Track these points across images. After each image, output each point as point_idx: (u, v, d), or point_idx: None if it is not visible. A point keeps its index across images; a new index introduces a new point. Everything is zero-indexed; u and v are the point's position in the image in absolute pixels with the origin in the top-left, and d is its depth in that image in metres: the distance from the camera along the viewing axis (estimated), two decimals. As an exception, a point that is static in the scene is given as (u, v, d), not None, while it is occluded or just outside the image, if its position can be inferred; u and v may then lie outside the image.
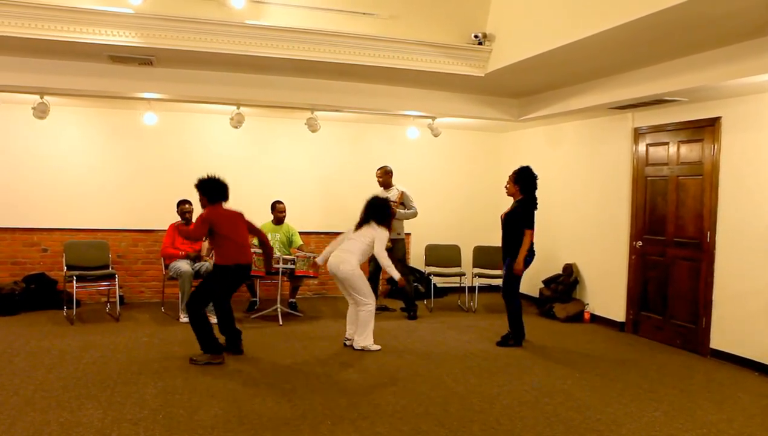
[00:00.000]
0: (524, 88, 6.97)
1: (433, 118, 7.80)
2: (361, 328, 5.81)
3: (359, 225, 5.94)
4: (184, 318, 6.85)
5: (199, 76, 6.43)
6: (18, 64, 5.89)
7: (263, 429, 3.93)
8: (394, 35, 5.75)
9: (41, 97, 6.37)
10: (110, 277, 6.90)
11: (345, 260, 5.71)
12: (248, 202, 7.83)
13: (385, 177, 7.59)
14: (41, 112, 6.38)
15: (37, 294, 7.22)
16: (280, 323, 6.91)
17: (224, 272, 5.41)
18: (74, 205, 7.70)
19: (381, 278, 7.67)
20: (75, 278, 6.68)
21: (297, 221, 7.90)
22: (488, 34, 5.90)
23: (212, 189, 5.45)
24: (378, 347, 5.85)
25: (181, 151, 8.06)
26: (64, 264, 6.99)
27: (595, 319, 7.45)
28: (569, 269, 7.81)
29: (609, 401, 4.64)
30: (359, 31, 5.72)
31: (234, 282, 5.58)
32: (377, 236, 5.76)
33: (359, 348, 5.82)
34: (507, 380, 5.10)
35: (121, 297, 7.57)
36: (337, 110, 7.28)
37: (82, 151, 7.76)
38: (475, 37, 5.85)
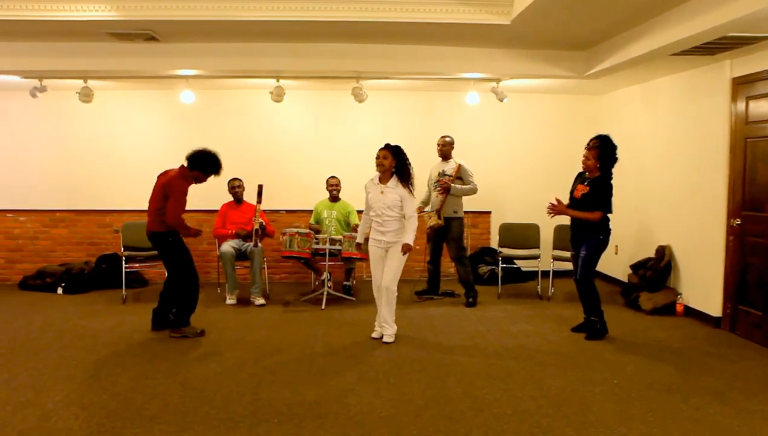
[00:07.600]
0: (580, 37, 5.78)
1: (498, 80, 6.92)
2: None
3: None
4: (230, 300, 6.78)
5: (229, 49, 6.18)
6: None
7: (198, 424, 3.59)
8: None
9: (84, 82, 6.52)
10: (155, 257, 6.94)
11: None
12: (305, 178, 7.71)
13: (446, 147, 6.85)
14: (85, 96, 6.55)
15: (107, 273, 7.50)
16: (322, 307, 6.54)
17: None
18: (143, 186, 7.86)
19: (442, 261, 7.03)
20: (124, 258, 6.82)
21: (356, 199, 7.46)
22: (509, -28, 4.96)
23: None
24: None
25: (241, 128, 8.01)
26: (120, 245, 7.18)
27: (690, 312, 6.18)
28: (662, 252, 6.56)
29: (632, 416, 3.69)
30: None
31: None
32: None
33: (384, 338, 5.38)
34: (521, 384, 4.27)
35: (184, 277, 7.64)
36: (384, 77, 6.70)
37: (150, 133, 7.95)
38: (494, -23, 4.95)
